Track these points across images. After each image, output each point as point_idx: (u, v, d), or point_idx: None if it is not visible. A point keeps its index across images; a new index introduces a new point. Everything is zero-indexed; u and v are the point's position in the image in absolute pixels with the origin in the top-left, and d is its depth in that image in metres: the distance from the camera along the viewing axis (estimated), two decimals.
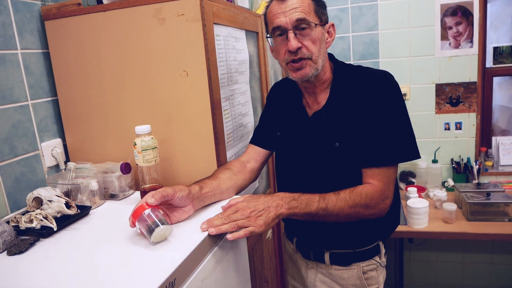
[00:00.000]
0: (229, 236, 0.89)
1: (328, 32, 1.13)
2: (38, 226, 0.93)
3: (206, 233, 0.88)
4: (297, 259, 1.32)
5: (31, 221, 0.94)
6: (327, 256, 1.21)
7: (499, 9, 2.36)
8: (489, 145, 2.46)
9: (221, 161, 1.25)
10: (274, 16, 1.06)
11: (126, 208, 1.08)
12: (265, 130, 1.29)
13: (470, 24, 2.29)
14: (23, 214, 0.98)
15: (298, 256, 1.31)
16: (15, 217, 0.97)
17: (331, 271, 1.22)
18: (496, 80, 2.42)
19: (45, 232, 0.92)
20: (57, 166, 1.32)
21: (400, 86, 1.11)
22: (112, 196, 1.18)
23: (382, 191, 1.06)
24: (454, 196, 2.24)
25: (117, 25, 1.20)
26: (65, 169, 1.26)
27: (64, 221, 0.98)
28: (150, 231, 0.83)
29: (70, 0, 1.24)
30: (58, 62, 1.30)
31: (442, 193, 2.16)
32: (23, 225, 0.94)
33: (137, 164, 1.08)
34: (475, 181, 2.28)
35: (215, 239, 0.93)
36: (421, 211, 1.97)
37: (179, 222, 0.96)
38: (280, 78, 2.03)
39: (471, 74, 2.35)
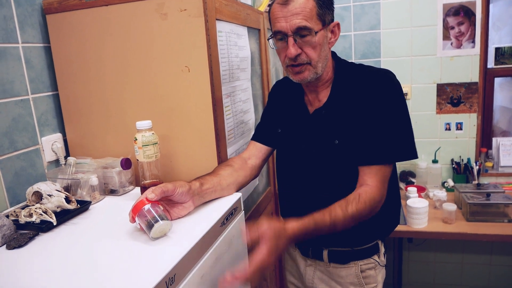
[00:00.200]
0: None
1: (332, 32, 1.11)
2: (38, 221, 0.93)
3: (206, 229, 0.88)
4: (295, 257, 1.32)
5: (30, 215, 0.93)
6: (325, 254, 1.21)
7: (501, 9, 2.36)
8: (489, 146, 2.45)
9: (222, 158, 1.24)
10: (276, 19, 1.05)
11: (126, 203, 1.08)
12: (267, 127, 1.29)
13: (472, 24, 2.28)
14: (23, 208, 0.97)
15: (296, 253, 1.31)
16: (14, 211, 0.97)
17: (329, 268, 1.22)
18: (497, 80, 2.41)
19: (45, 227, 0.92)
20: (57, 161, 1.32)
21: (402, 86, 1.10)
22: (112, 192, 1.18)
23: (380, 192, 1.06)
24: (454, 196, 2.23)
25: (119, 19, 1.19)
26: (65, 164, 1.26)
27: (63, 216, 0.97)
28: (150, 226, 0.82)
29: None
30: (59, 56, 1.29)
31: (442, 193, 2.15)
32: (22, 219, 0.94)
33: (137, 160, 1.07)
34: (475, 182, 2.28)
35: (215, 235, 0.92)
36: (420, 211, 1.97)
37: (179, 218, 0.95)
38: (281, 76, 2.03)
39: (472, 75, 2.35)
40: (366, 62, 2.46)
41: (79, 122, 1.32)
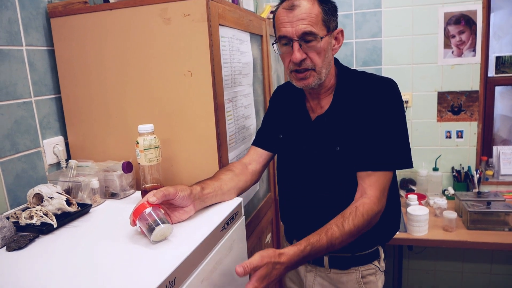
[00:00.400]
0: None
1: (336, 39, 1.12)
2: (38, 223, 0.93)
3: (206, 234, 0.88)
4: None
5: (31, 217, 0.93)
6: (326, 260, 1.21)
7: (502, 19, 2.37)
8: (490, 154, 2.45)
9: (223, 163, 1.24)
10: (281, 24, 1.05)
11: (126, 207, 1.08)
12: (268, 132, 1.29)
13: (473, 33, 2.29)
14: (23, 210, 0.97)
15: None
16: (15, 213, 0.97)
17: (330, 274, 1.21)
18: (498, 89, 2.42)
19: (45, 229, 0.92)
20: (58, 164, 1.32)
21: (402, 94, 1.11)
22: (113, 195, 1.18)
23: (380, 203, 1.05)
24: (454, 204, 2.23)
25: (122, 24, 1.20)
26: (66, 166, 1.26)
27: (64, 218, 0.97)
28: (151, 229, 0.82)
29: None
30: (62, 59, 1.30)
31: (442, 201, 2.15)
32: (23, 221, 0.93)
33: (139, 163, 1.08)
34: (476, 190, 2.28)
35: (216, 239, 0.92)
36: (421, 219, 1.97)
37: (180, 222, 0.95)
38: (283, 82, 2.03)
39: (473, 83, 2.36)
40: (367, 69, 2.47)
41: (81, 125, 1.32)
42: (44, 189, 1.00)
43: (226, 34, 1.29)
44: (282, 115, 1.27)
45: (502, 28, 2.38)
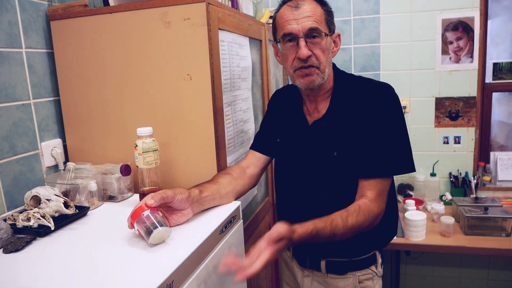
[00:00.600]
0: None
1: (334, 42, 1.13)
2: (36, 225, 0.92)
3: (205, 237, 0.88)
4: (293, 267, 1.31)
5: (28, 219, 0.93)
6: (323, 264, 1.20)
7: (499, 25, 2.39)
8: (487, 160, 2.46)
9: (222, 167, 1.25)
10: (286, 22, 1.06)
11: (124, 210, 1.08)
12: (266, 136, 1.29)
13: (471, 39, 2.31)
14: (21, 212, 0.97)
15: (294, 263, 1.30)
16: (12, 215, 0.97)
17: (327, 279, 1.21)
18: (495, 95, 2.43)
19: (42, 231, 0.92)
20: (56, 166, 1.32)
21: (400, 99, 1.11)
22: (111, 198, 1.18)
23: (379, 206, 1.06)
24: (451, 210, 2.23)
25: (122, 27, 1.21)
26: (64, 169, 1.26)
27: (61, 221, 0.97)
28: (149, 232, 0.82)
29: (76, 1, 1.25)
30: (62, 62, 1.30)
31: (440, 207, 2.15)
32: (20, 223, 0.93)
33: (137, 166, 1.08)
34: (473, 196, 2.28)
35: (214, 243, 0.92)
36: (418, 224, 1.97)
37: (178, 225, 0.95)
38: (281, 87, 2.04)
39: (470, 89, 2.37)
40: (366, 75, 2.48)
41: (80, 128, 1.32)
42: (41, 191, 1.00)
43: (226, 38, 1.30)
44: (280, 119, 1.27)
45: (499, 35, 2.40)
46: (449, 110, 2.41)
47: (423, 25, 2.37)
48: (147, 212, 0.85)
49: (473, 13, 2.28)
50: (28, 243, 0.88)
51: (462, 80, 2.37)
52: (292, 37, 1.06)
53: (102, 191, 1.17)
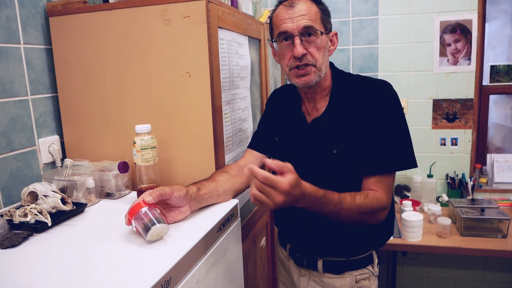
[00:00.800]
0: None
1: (331, 41, 1.14)
2: (33, 221, 0.92)
3: (202, 234, 0.87)
4: (289, 266, 1.31)
5: (25, 215, 0.92)
6: (320, 264, 1.20)
7: (497, 28, 2.41)
8: (483, 162, 2.47)
9: (220, 165, 1.24)
10: (281, 21, 1.07)
11: (121, 207, 1.07)
12: (264, 135, 1.29)
13: (469, 42, 2.32)
14: (18, 208, 0.96)
15: (290, 263, 1.30)
16: (9, 211, 0.96)
17: (324, 279, 1.21)
18: (492, 98, 2.45)
19: (39, 227, 0.91)
20: (53, 163, 1.31)
21: None
22: (108, 195, 1.17)
23: (386, 197, 1.06)
24: (448, 211, 2.24)
25: (121, 24, 1.20)
26: (61, 166, 1.25)
27: (58, 217, 0.97)
28: (146, 229, 0.82)
29: None
30: (60, 58, 1.29)
31: (436, 208, 2.16)
32: (17, 219, 0.93)
33: (135, 163, 1.07)
34: (469, 197, 2.29)
35: (212, 240, 0.92)
36: (415, 224, 1.97)
37: (175, 222, 0.95)
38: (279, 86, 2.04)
39: (468, 91, 2.38)
40: None
41: (78, 124, 1.32)
42: (39, 187, 0.99)
43: (225, 37, 1.30)
44: (278, 118, 1.27)
45: (496, 38, 2.41)
46: (446, 112, 2.42)
47: (421, 27, 2.38)
48: (145, 209, 0.84)
49: (471, 15, 2.30)
50: (25, 238, 0.87)
51: (460, 82, 2.38)
52: (287, 36, 1.07)
53: (100, 188, 1.17)
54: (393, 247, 2.04)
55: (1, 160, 1.14)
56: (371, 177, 1.08)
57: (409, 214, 2.03)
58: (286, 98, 1.27)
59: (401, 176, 2.51)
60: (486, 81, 2.42)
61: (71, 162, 1.17)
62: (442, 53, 2.37)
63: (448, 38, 2.35)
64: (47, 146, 1.29)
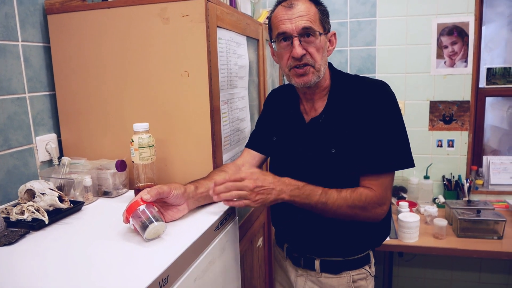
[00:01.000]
0: (224, 203, 0.98)
1: (329, 41, 1.14)
2: (29, 218, 0.91)
3: (200, 233, 0.87)
4: (286, 266, 1.31)
5: (22, 212, 0.92)
6: (317, 264, 1.21)
7: (494, 31, 2.42)
8: (480, 164, 2.49)
9: (217, 164, 1.24)
10: (280, 21, 1.07)
11: (119, 205, 1.07)
12: (261, 134, 1.30)
13: (465, 44, 2.33)
14: (15, 206, 0.96)
15: (287, 263, 1.30)
16: (5, 209, 0.96)
17: (321, 278, 1.21)
18: (488, 100, 2.46)
19: (36, 225, 0.91)
20: (50, 161, 1.30)
21: None
22: (105, 193, 1.17)
23: (380, 197, 1.07)
24: (444, 212, 2.25)
25: (120, 22, 1.20)
26: (58, 164, 1.25)
27: (56, 215, 0.96)
28: (144, 227, 0.82)
29: None
30: (58, 56, 1.29)
31: (433, 209, 2.17)
32: (14, 217, 0.92)
33: (133, 162, 1.07)
34: (466, 199, 2.30)
35: (209, 239, 0.92)
36: (412, 225, 1.98)
37: (173, 220, 0.95)
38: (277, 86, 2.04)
39: (464, 93, 2.39)
40: None
41: (75, 123, 1.32)
42: (36, 185, 0.99)
43: (224, 36, 1.30)
44: (276, 117, 1.27)
45: (493, 40, 2.43)
46: (443, 114, 2.44)
47: (419, 29, 2.39)
48: (142, 207, 0.84)
49: (468, 18, 2.31)
50: (21, 236, 0.87)
51: (456, 84, 2.39)
52: (286, 37, 1.07)
53: (97, 186, 1.16)
54: (389, 248, 2.05)
55: None
56: (367, 176, 1.08)
57: (405, 215, 2.04)
58: (284, 98, 1.27)
59: (397, 177, 2.51)
60: (482, 84, 2.43)
61: (68, 160, 1.17)
62: (439, 55, 2.38)
63: (445, 40, 2.36)
64: (44, 144, 1.29)
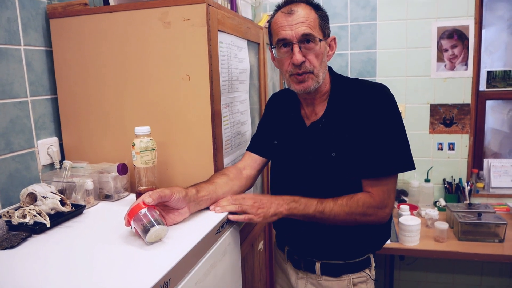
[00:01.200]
0: (230, 217, 1.02)
1: (329, 46, 1.15)
2: (31, 222, 0.92)
3: (201, 236, 0.87)
4: (287, 269, 1.31)
5: (24, 216, 0.92)
6: (318, 267, 1.21)
7: (494, 35, 2.43)
8: (480, 167, 2.49)
9: (218, 168, 1.25)
10: (280, 28, 1.07)
11: (120, 209, 1.07)
12: (263, 138, 1.30)
13: (466, 47, 2.34)
14: (16, 209, 0.96)
15: (288, 265, 1.30)
16: (7, 212, 0.96)
17: (321, 281, 1.21)
18: (489, 103, 2.46)
19: (38, 228, 0.91)
20: (51, 165, 1.31)
21: None
22: (107, 197, 1.17)
23: (381, 200, 1.07)
24: (445, 216, 2.25)
25: (122, 26, 1.21)
26: (59, 168, 1.25)
27: (57, 218, 0.96)
28: (146, 230, 0.82)
29: (76, 0, 1.25)
30: (60, 60, 1.30)
31: (434, 212, 2.17)
32: (15, 220, 0.92)
33: (134, 165, 1.07)
34: (466, 202, 2.30)
35: (210, 242, 0.92)
36: (413, 229, 1.98)
37: (174, 224, 0.95)
38: (278, 90, 2.05)
39: (465, 96, 2.40)
40: None
41: (77, 126, 1.32)
42: (38, 188, 0.99)
43: (225, 40, 1.30)
44: (277, 121, 1.28)
45: (493, 44, 2.43)
46: (443, 117, 2.44)
47: (419, 33, 2.40)
48: (144, 210, 0.85)
49: (468, 21, 2.32)
50: (23, 240, 0.87)
51: (457, 88, 2.40)
52: (286, 43, 1.07)
53: (99, 190, 1.17)
54: (390, 251, 2.05)
55: (0, 161, 1.14)
56: (368, 180, 1.09)
57: (406, 219, 2.04)
58: (285, 102, 1.28)
59: (399, 180, 2.48)
60: (482, 87, 2.44)
61: (70, 163, 1.17)
62: (439, 59, 2.39)
63: (445, 43, 2.37)
64: (46, 147, 1.29)
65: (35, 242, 0.88)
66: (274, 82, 2.04)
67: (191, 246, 0.82)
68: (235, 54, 1.41)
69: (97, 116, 1.29)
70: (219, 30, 1.23)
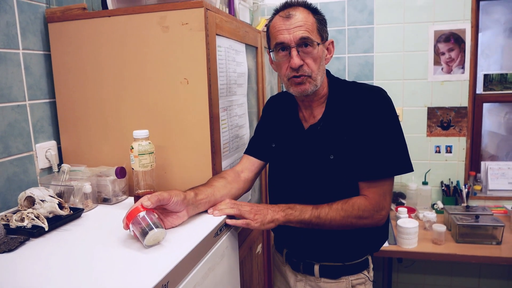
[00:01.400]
0: (228, 221, 1.03)
1: (327, 49, 1.15)
2: (29, 225, 0.92)
3: (200, 239, 0.88)
4: (285, 271, 1.32)
5: (22, 219, 0.92)
6: (316, 269, 1.21)
7: (490, 38, 2.45)
8: (478, 170, 2.50)
9: (217, 171, 1.25)
10: (278, 32, 1.08)
11: (118, 212, 1.08)
12: (260, 141, 1.30)
13: (462, 51, 2.36)
14: (14, 213, 0.96)
15: (287, 268, 1.30)
16: (5, 216, 0.96)
17: (320, 283, 1.22)
18: (486, 106, 2.48)
19: (36, 232, 0.91)
20: (50, 168, 1.31)
21: None
22: (105, 200, 1.17)
23: (377, 203, 1.07)
24: (443, 218, 2.25)
25: (120, 30, 1.22)
26: (58, 171, 1.25)
27: (55, 222, 0.97)
28: (144, 233, 0.82)
29: (75, 4, 1.26)
30: (58, 64, 1.30)
31: (431, 215, 2.17)
32: (13, 224, 0.92)
33: (132, 169, 1.08)
34: (464, 204, 2.31)
35: (209, 245, 0.92)
36: (411, 231, 1.98)
37: (173, 227, 0.95)
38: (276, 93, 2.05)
39: (462, 99, 2.41)
40: None
41: (75, 130, 1.32)
42: (36, 192, 0.99)
43: (223, 44, 1.31)
44: (275, 124, 1.28)
45: (490, 47, 2.45)
46: (441, 120, 2.45)
47: (416, 36, 2.41)
48: (142, 213, 0.85)
49: (465, 25, 2.34)
50: (21, 243, 0.87)
51: (454, 91, 2.41)
52: (284, 47, 1.08)
53: (97, 193, 1.17)
54: (388, 254, 2.05)
55: None
56: (364, 182, 1.09)
57: (404, 221, 2.04)
58: (283, 105, 1.28)
59: (396, 183, 2.52)
60: (479, 90, 2.45)
61: (68, 167, 1.17)
62: (436, 62, 2.41)
63: (442, 47, 2.38)
64: (44, 151, 1.29)
65: (33, 246, 0.88)
66: (272, 86, 2.04)
67: (189, 249, 0.82)
68: (233, 58, 1.42)
69: (95, 119, 1.29)
70: (217, 34, 1.24)
